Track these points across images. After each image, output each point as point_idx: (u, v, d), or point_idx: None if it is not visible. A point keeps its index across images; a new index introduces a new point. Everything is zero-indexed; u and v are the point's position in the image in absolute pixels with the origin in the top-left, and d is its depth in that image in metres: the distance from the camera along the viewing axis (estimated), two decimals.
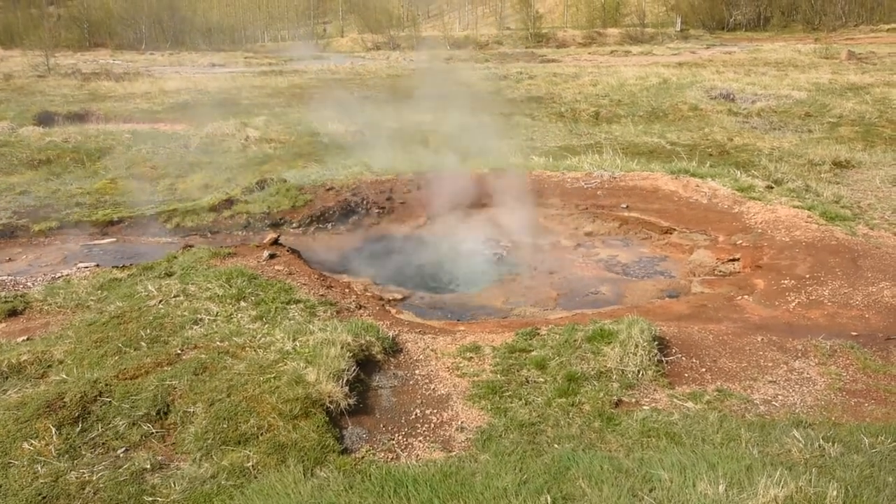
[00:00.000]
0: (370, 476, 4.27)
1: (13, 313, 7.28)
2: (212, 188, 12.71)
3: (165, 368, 5.54)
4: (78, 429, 4.84)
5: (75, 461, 4.54)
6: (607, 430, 4.96)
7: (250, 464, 4.48)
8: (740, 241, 9.47)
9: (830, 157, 14.17)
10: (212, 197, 11.50)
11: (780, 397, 5.52)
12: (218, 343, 5.97)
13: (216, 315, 6.58)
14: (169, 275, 7.72)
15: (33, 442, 4.67)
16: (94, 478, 4.38)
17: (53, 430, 4.78)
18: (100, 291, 7.65)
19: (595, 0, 68.54)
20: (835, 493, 3.77)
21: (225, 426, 4.81)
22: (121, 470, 4.46)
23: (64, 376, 5.56)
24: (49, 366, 5.89)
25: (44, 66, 32.20)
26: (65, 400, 5.07)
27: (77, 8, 62.58)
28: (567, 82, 26.23)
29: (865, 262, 8.29)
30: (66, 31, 57.84)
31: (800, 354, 6.18)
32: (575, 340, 6.07)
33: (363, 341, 5.95)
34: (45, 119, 19.85)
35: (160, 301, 6.95)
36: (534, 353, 6.01)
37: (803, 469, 4.09)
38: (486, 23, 74.07)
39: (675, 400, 5.41)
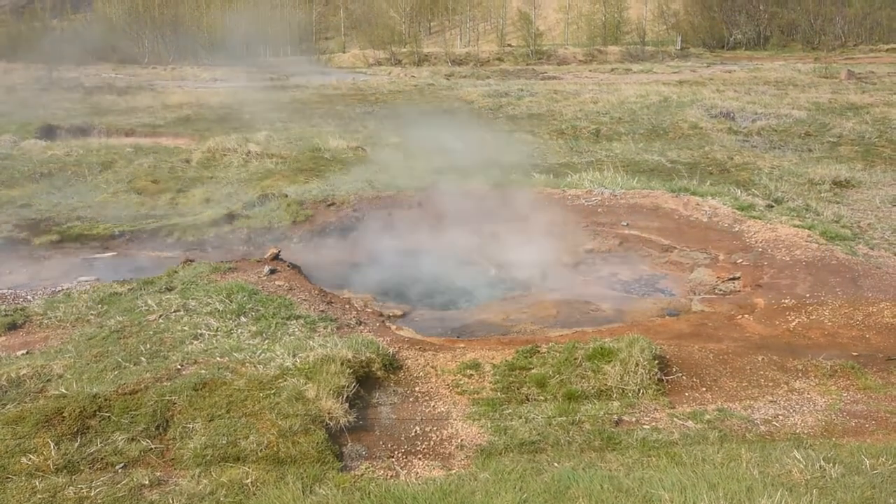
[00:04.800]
0: (369, 494, 4.25)
1: (13, 327, 7.26)
2: (213, 203, 12.76)
3: (165, 384, 5.52)
4: (77, 444, 4.82)
5: (73, 476, 4.52)
6: (607, 449, 4.95)
7: (249, 480, 4.46)
8: (740, 260, 9.48)
9: (830, 176, 14.23)
10: (213, 211, 11.53)
11: (780, 417, 5.50)
12: (218, 358, 5.96)
13: (216, 330, 6.58)
14: (169, 289, 7.72)
15: (32, 457, 4.65)
16: (93, 493, 4.36)
17: (52, 444, 4.76)
18: (100, 305, 7.64)
19: (596, 18, 69.02)
20: None
21: (224, 442, 4.79)
22: (119, 486, 4.44)
23: (63, 391, 5.54)
24: (48, 380, 5.87)
25: (46, 79, 32.35)
26: (64, 415, 5.05)
27: (80, 22, 63.04)
28: (568, 100, 26.34)
29: (866, 282, 8.29)
30: (68, 44, 58.13)
31: (800, 374, 6.17)
32: (575, 358, 6.06)
33: (363, 358, 5.94)
34: (47, 132, 19.92)
35: (160, 316, 6.95)
36: (534, 371, 6.00)
37: (804, 490, 4.08)
38: (488, 40, 74.47)
39: (675, 419, 5.40)
